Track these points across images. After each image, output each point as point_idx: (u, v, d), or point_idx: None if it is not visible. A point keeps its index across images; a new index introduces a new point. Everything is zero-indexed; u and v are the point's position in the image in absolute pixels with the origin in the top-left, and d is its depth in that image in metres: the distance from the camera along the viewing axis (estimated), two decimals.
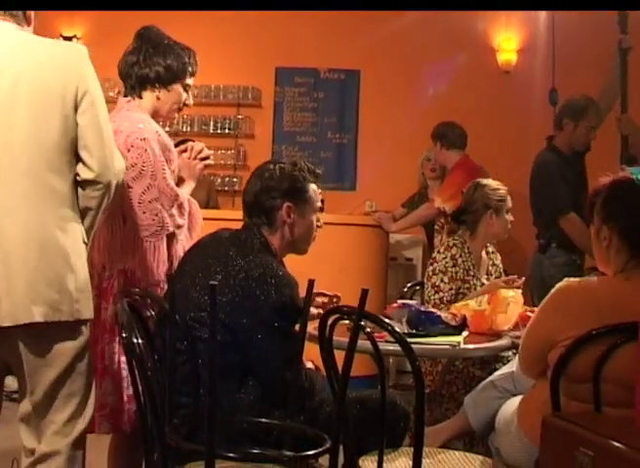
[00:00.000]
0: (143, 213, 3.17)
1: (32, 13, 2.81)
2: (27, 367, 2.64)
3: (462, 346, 3.25)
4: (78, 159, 2.66)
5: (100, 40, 8.14)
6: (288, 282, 2.85)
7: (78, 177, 2.67)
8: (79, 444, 2.73)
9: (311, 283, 2.80)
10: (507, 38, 8.15)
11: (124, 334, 2.28)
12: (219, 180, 8.19)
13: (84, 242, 2.71)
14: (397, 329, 3.18)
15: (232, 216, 6.04)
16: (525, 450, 2.83)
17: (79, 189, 2.69)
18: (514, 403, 3.04)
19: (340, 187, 8.28)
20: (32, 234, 2.57)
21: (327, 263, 5.81)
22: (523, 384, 3.20)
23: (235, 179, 8.26)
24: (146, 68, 3.32)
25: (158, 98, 3.35)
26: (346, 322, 2.83)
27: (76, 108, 2.63)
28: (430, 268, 4.23)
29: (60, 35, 8.35)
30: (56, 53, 2.69)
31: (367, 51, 8.19)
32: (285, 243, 3.08)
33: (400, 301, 3.61)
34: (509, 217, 4.28)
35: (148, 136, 3.19)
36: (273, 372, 2.81)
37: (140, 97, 3.34)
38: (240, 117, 8.34)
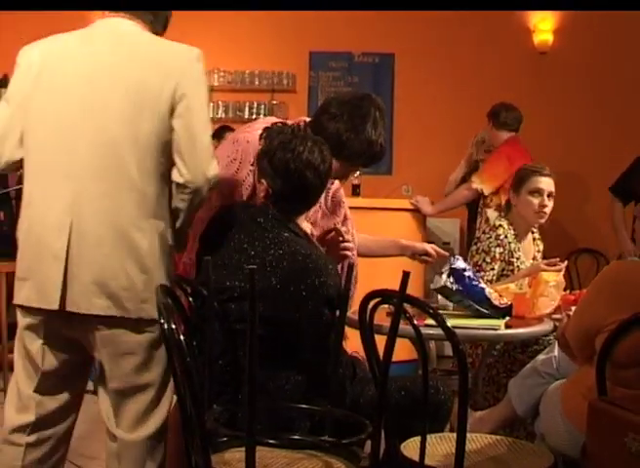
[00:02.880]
0: None
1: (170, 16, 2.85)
2: (103, 355, 2.67)
3: (503, 331, 3.20)
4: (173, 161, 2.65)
5: None
6: (329, 269, 2.79)
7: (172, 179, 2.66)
8: (158, 435, 2.73)
9: (351, 266, 2.77)
10: (543, 19, 8.04)
11: (162, 321, 2.26)
12: None
13: (168, 244, 2.69)
14: (442, 279, 3.24)
15: None
16: (570, 436, 2.78)
17: (173, 190, 2.68)
18: (557, 388, 3.00)
19: (375, 171, 8.16)
20: (107, 228, 2.57)
21: None
22: (566, 368, 3.16)
23: None
24: (328, 125, 3.17)
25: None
26: (386, 306, 2.81)
27: (172, 111, 2.58)
28: (474, 247, 4.19)
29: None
30: (163, 52, 2.66)
31: (401, 34, 8.13)
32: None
33: (456, 259, 3.50)
34: (535, 200, 4.14)
35: (252, 141, 3.17)
36: (315, 361, 2.78)
37: None
38: (274, 102, 8.30)
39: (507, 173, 5.68)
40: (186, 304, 2.68)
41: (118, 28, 2.71)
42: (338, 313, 2.79)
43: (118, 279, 2.58)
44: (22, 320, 2.72)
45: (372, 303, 2.50)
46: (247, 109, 8.26)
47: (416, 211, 6.52)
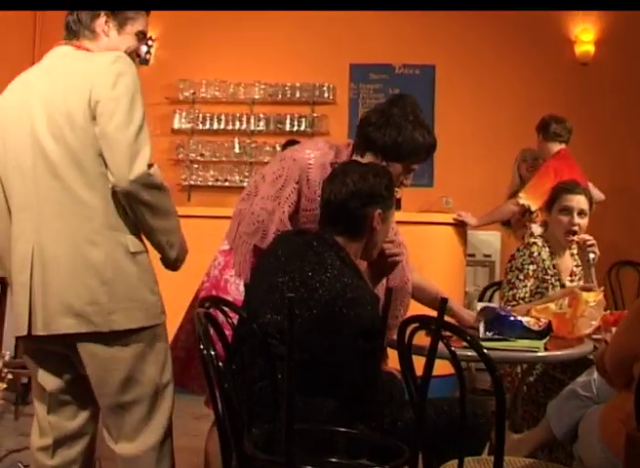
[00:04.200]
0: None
1: (103, 24, 2.85)
2: (89, 372, 2.75)
3: (542, 353, 3.18)
4: None
5: (175, 41, 8.25)
6: (367, 301, 2.76)
7: None
8: (160, 446, 2.80)
9: (389, 296, 2.78)
10: (584, 29, 8.00)
11: (201, 346, 2.29)
12: None
13: (129, 251, 2.71)
14: (480, 331, 3.24)
15: None
16: (607, 462, 2.76)
17: None
18: (596, 412, 2.98)
19: (417, 183, 8.07)
20: (63, 249, 2.66)
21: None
22: (605, 391, 3.14)
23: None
24: (377, 134, 3.22)
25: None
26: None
27: (94, 119, 2.64)
28: (508, 265, 4.20)
29: None
30: (81, 68, 2.72)
31: (442, 45, 8.15)
32: (361, 251, 2.98)
33: (482, 304, 3.55)
34: (565, 218, 4.10)
35: (299, 160, 3.21)
36: (352, 385, 2.78)
37: (362, 156, 3.26)
38: (315, 115, 8.34)
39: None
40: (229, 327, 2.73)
41: (55, 56, 2.84)
42: (375, 341, 2.80)
43: (80, 296, 2.64)
44: (21, 347, 2.90)
45: (410, 328, 2.50)
46: (288, 122, 8.32)
47: (458, 224, 6.49)
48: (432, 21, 8.07)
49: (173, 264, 2.85)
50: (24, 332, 2.70)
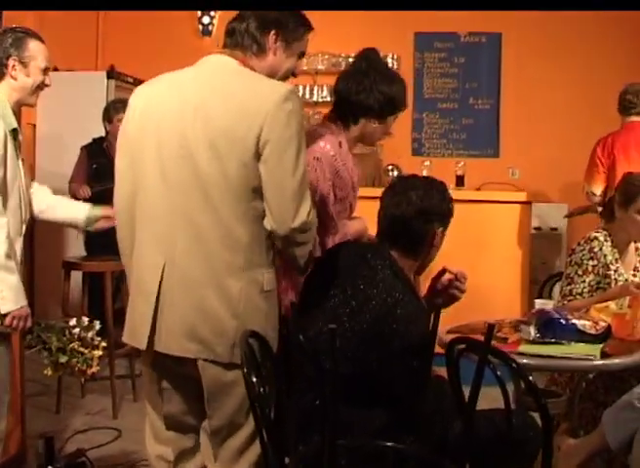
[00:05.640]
0: None
1: (272, 41, 2.75)
2: (207, 393, 2.73)
3: (598, 361, 3.11)
4: None
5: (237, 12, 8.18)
6: (418, 317, 2.77)
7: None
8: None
9: (438, 311, 2.75)
10: None
11: (245, 370, 2.29)
12: (359, 149, 8.11)
13: (264, 289, 2.67)
14: (531, 334, 3.19)
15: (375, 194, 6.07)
16: None
17: None
18: None
19: (482, 154, 8.12)
20: (198, 271, 2.60)
21: (467, 239, 5.75)
22: None
23: (375, 147, 8.16)
24: (370, 97, 3.22)
25: (370, 128, 3.29)
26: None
27: (259, 156, 2.54)
28: (568, 259, 4.11)
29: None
30: (249, 96, 2.59)
31: (508, 12, 7.91)
32: (416, 266, 2.98)
33: (538, 304, 3.50)
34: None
35: (322, 157, 3.15)
36: (402, 403, 2.77)
37: (355, 124, 3.28)
38: None
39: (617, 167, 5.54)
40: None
41: (215, 69, 2.71)
42: (424, 357, 2.78)
43: (208, 323, 2.61)
44: (141, 358, 2.87)
45: (457, 349, 2.48)
46: None
47: (522, 203, 6.37)
48: None
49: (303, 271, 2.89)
50: (143, 346, 2.68)
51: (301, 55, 2.88)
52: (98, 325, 3.47)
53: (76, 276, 5.59)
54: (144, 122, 2.70)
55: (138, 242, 2.73)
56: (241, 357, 2.35)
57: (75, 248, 6.74)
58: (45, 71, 3.36)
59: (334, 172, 3.18)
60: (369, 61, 3.30)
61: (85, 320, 3.42)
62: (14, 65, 3.30)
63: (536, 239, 7.02)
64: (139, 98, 2.78)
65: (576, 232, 7.42)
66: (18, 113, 3.79)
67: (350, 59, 7.80)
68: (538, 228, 7.34)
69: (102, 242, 6.05)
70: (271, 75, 2.74)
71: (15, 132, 3.30)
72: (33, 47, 3.34)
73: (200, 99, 2.61)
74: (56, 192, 6.82)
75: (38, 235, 7.07)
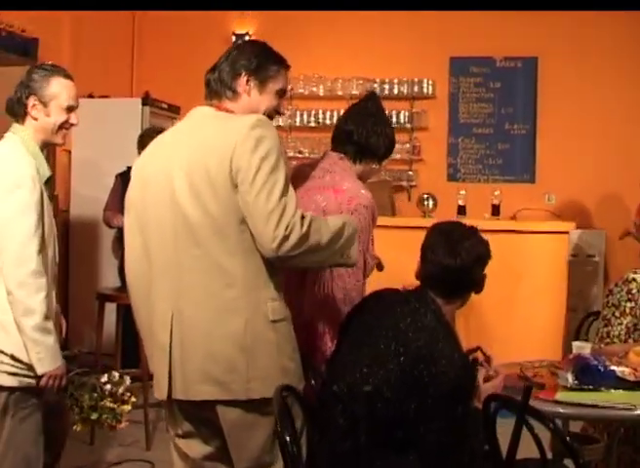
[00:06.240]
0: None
1: (244, 84, 2.82)
2: (229, 436, 2.75)
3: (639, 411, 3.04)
4: None
5: (272, 36, 8.12)
6: (458, 363, 2.75)
7: None
8: None
9: (475, 362, 2.71)
10: None
11: (278, 428, 2.27)
12: (395, 175, 8.12)
13: (269, 318, 2.67)
14: (568, 381, 3.14)
15: (411, 224, 6.05)
16: None
17: None
18: None
19: (518, 180, 8.05)
20: (203, 315, 2.64)
21: (503, 269, 5.68)
22: None
23: (411, 173, 8.17)
24: (380, 141, 3.32)
25: (369, 168, 3.38)
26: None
27: (236, 187, 2.60)
28: (605, 300, 4.05)
29: (233, 33, 8.49)
30: (221, 133, 2.68)
31: (544, 36, 7.89)
32: (457, 308, 3.02)
33: (576, 348, 3.43)
34: None
35: (369, 204, 3.21)
36: (439, 445, 2.74)
37: (360, 163, 3.34)
38: (415, 111, 8.20)
39: None
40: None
41: (195, 120, 2.82)
42: (462, 404, 2.74)
43: (219, 363, 2.63)
44: (164, 410, 2.93)
45: (493, 406, 2.45)
46: None
47: (559, 233, 6.30)
48: (534, 12, 7.83)
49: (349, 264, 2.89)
50: (164, 396, 2.74)
51: (282, 92, 2.91)
52: (128, 380, 3.47)
53: (110, 306, 5.60)
54: (141, 182, 2.82)
55: (151, 297, 2.79)
56: (275, 413, 2.33)
57: (109, 275, 6.78)
58: (69, 110, 3.30)
59: (374, 218, 3.25)
60: (376, 105, 3.40)
61: (116, 375, 3.42)
62: (34, 105, 3.22)
63: (572, 266, 6.94)
64: (138, 161, 2.91)
65: (613, 259, 7.35)
66: (51, 149, 3.78)
67: (385, 85, 7.98)
68: (574, 255, 7.25)
69: None
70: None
71: (49, 179, 3.29)
72: (56, 85, 3.25)
73: (181, 150, 2.71)
74: (91, 218, 6.96)
75: (72, 264, 7.11)
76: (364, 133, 3.29)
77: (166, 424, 3.01)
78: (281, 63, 2.91)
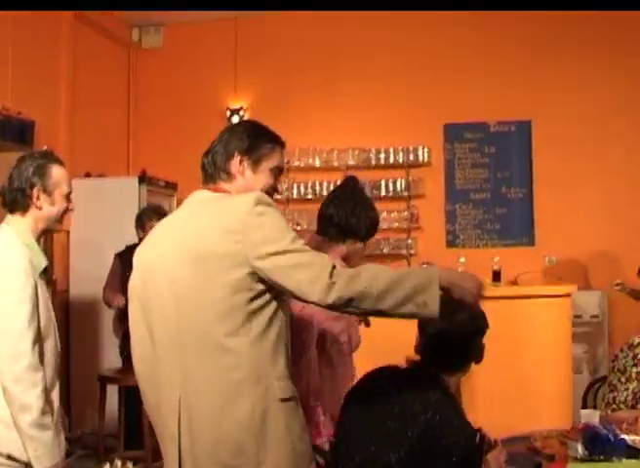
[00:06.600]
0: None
1: (237, 165, 2.78)
2: None
3: None
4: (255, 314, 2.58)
5: (265, 110, 8.29)
6: (468, 432, 2.72)
7: None
8: None
9: (482, 436, 2.67)
10: None
11: None
12: (393, 243, 8.14)
13: (277, 397, 2.60)
14: (579, 452, 3.08)
15: None
16: None
17: None
18: None
19: (517, 243, 8.05)
20: (207, 399, 2.57)
21: (506, 335, 5.64)
22: None
23: (410, 241, 8.16)
24: (360, 222, 3.35)
25: (353, 248, 3.38)
26: None
27: (247, 264, 2.53)
28: (611, 365, 4.00)
29: (227, 108, 8.56)
30: (222, 216, 2.63)
31: (537, 99, 7.98)
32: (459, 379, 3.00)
33: (584, 416, 3.38)
34: None
35: None
36: None
37: (344, 243, 3.37)
38: (411, 178, 8.23)
39: None
40: None
41: (194, 205, 2.78)
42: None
43: (228, 448, 2.55)
44: None
45: None
46: (383, 186, 8.21)
47: (560, 296, 6.27)
48: (525, 76, 7.94)
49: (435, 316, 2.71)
50: None
51: (277, 170, 2.86)
52: (131, 466, 3.42)
53: (112, 387, 5.55)
54: (142, 269, 2.77)
55: (159, 381, 2.72)
56: None
57: (110, 354, 6.73)
58: (67, 196, 3.30)
59: None
60: (354, 189, 3.46)
61: (119, 464, 3.36)
62: (38, 195, 3.19)
63: (576, 327, 6.89)
64: (139, 249, 2.86)
65: (616, 318, 7.32)
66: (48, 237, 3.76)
67: (381, 155, 8.02)
68: (578, 316, 7.21)
69: None
70: None
71: (45, 269, 3.26)
72: (56, 173, 3.22)
73: (181, 234, 2.67)
74: (91, 297, 6.93)
75: (73, 344, 7.06)
76: (344, 215, 3.33)
77: None
78: (275, 141, 2.87)
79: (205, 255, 2.57)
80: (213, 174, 2.80)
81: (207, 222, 2.64)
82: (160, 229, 2.83)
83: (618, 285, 6.59)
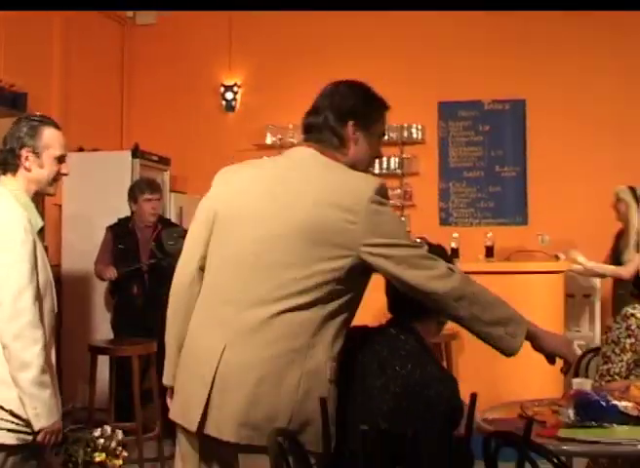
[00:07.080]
0: None
1: (351, 132, 2.67)
2: None
3: None
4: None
5: (260, 86, 8.27)
6: (449, 381, 2.72)
7: None
8: None
9: (473, 398, 2.66)
10: None
11: None
12: None
13: (328, 379, 2.57)
14: (570, 417, 3.08)
15: None
16: None
17: None
18: None
19: (511, 222, 8.05)
20: (256, 358, 2.52)
21: None
22: None
23: (403, 219, 8.14)
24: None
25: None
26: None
27: (352, 245, 2.49)
28: (604, 336, 3.99)
29: (222, 85, 8.52)
30: (334, 184, 2.56)
31: (531, 78, 7.96)
32: (437, 330, 2.97)
33: (576, 384, 3.38)
34: None
35: None
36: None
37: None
38: (405, 156, 8.22)
39: None
40: None
41: (303, 164, 2.67)
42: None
43: (262, 410, 2.50)
44: (183, 438, 2.73)
45: (494, 443, 2.39)
46: (377, 164, 8.17)
47: (554, 271, 6.27)
48: (520, 55, 7.92)
49: (513, 354, 2.72)
50: (193, 429, 2.58)
51: (382, 134, 2.81)
52: (120, 434, 3.40)
53: (103, 359, 5.53)
54: (230, 212, 2.66)
55: (196, 320, 2.68)
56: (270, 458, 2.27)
57: (102, 329, 6.71)
58: (60, 159, 3.25)
59: None
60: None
61: (108, 429, 3.34)
62: (27, 156, 3.18)
63: (569, 306, 6.90)
64: (223, 187, 2.74)
65: (609, 297, 7.31)
66: (41, 200, 3.75)
67: None
68: (570, 295, 7.22)
69: (129, 322, 6.09)
70: (356, 163, 2.68)
71: (41, 229, 3.24)
72: (48, 135, 3.21)
73: (284, 190, 2.59)
74: (83, 271, 6.91)
75: (65, 318, 7.03)
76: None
77: (176, 457, 2.86)
78: (385, 106, 2.83)
79: (310, 226, 2.50)
80: (322, 137, 2.67)
81: (319, 189, 2.56)
82: (251, 175, 2.73)
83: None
